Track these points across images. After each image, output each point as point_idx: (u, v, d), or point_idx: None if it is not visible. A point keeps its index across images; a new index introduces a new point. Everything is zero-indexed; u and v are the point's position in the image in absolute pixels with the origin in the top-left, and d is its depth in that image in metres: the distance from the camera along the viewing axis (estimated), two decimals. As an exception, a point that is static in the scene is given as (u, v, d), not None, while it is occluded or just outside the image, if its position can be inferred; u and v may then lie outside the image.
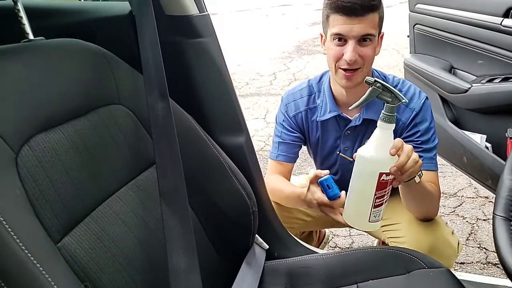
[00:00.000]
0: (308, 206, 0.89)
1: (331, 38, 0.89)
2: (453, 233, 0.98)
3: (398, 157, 0.69)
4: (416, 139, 0.94)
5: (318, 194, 0.83)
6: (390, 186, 0.70)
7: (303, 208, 1.07)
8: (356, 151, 1.01)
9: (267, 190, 0.99)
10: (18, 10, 0.66)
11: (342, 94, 0.97)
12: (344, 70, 0.89)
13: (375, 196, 0.69)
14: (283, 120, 1.04)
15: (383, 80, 0.96)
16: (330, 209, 0.83)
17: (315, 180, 0.84)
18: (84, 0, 1.18)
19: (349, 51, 0.86)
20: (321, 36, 0.96)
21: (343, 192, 0.81)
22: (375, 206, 0.70)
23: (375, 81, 0.67)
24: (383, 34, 0.93)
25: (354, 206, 0.74)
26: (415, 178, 0.78)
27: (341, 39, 0.87)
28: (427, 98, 0.96)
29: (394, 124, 0.67)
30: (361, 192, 0.70)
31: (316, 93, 1.02)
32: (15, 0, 0.66)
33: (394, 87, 0.94)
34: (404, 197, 0.89)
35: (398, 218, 0.99)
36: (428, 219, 0.95)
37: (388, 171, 0.67)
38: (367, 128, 0.96)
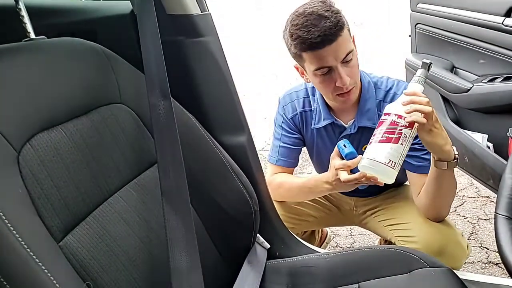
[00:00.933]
0: (332, 185, 0.85)
1: (313, 73, 0.85)
2: (462, 235, 0.97)
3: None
4: (420, 141, 0.93)
5: (337, 162, 0.81)
6: (405, 132, 0.71)
7: (318, 197, 1.04)
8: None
9: (271, 188, 0.99)
10: (20, 9, 0.66)
11: (334, 104, 0.96)
12: (341, 94, 0.87)
13: (375, 132, 0.72)
14: (282, 122, 1.03)
15: (375, 85, 0.97)
16: (346, 170, 0.79)
17: (334, 155, 0.83)
18: (85, -1, 1.18)
19: (339, 78, 0.83)
20: (296, 68, 0.93)
21: (359, 156, 0.79)
22: (379, 141, 0.71)
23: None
24: (353, 37, 0.89)
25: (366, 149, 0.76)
26: (448, 163, 0.77)
27: (325, 70, 0.83)
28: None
29: (423, 87, 0.74)
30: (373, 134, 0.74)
31: (311, 96, 1.01)
32: (17, -1, 0.66)
33: (388, 90, 0.95)
34: (432, 183, 0.85)
35: (408, 218, 0.98)
36: (438, 219, 0.94)
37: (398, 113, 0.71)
38: (361, 135, 0.95)
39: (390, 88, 0.96)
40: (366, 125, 0.94)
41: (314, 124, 0.99)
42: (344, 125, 0.97)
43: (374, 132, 0.73)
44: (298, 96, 1.02)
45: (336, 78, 0.83)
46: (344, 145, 0.81)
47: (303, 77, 0.95)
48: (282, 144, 1.03)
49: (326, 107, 0.98)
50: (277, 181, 1.02)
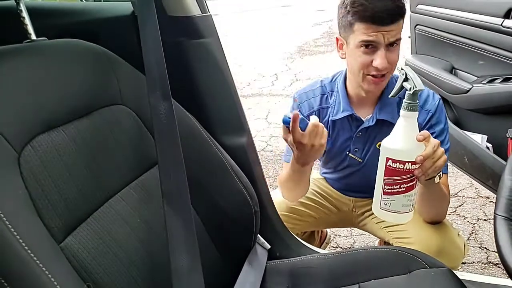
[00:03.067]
0: (297, 158, 0.82)
1: (357, 45, 0.86)
2: (459, 234, 0.98)
3: (425, 146, 0.68)
4: None
5: (286, 135, 0.78)
6: (410, 178, 0.67)
7: (308, 174, 1.00)
8: (366, 153, 1.01)
9: (279, 184, 0.98)
10: (21, 10, 0.66)
11: (359, 94, 0.96)
12: (373, 76, 0.87)
13: (384, 182, 0.68)
14: None
15: (395, 79, 0.96)
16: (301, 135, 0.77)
17: (285, 131, 0.79)
18: (86, 0, 1.19)
19: (380, 58, 0.84)
20: (337, 40, 0.94)
21: (312, 117, 0.78)
22: (384, 193, 0.69)
23: (402, 68, 0.67)
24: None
25: (374, 194, 0.73)
26: (435, 178, 0.76)
27: (369, 46, 0.85)
28: (440, 99, 0.95)
29: (417, 113, 0.66)
30: (377, 180, 0.71)
31: (329, 92, 1.00)
32: (18, 1, 0.66)
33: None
34: (420, 198, 0.86)
35: None
36: (436, 222, 0.95)
37: (405, 160, 0.66)
38: (380, 129, 0.95)
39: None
40: (384, 118, 0.94)
41: (332, 116, 0.99)
42: (362, 118, 0.97)
43: (387, 181, 0.68)
44: (314, 94, 1.02)
45: (376, 57, 0.84)
46: (289, 117, 0.76)
47: (340, 51, 0.94)
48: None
49: (347, 98, 0.97)
50: (280, 180, 1.02)
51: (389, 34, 0.83)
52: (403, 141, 0.67)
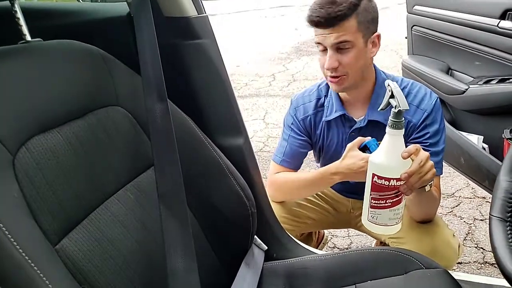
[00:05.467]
0: (343, 174, 0.88)
1: (318, 48, 0.93)
2: (454, 235, 0.98)
3: (412, 161, 0.68)
4: (424, 141, 0.93)
5: (363, 155, 0.84)
6: (396, 193, 0.67)
7: (325, 189, 1.06)
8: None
9: (273, 186, 0.99)
10: (16, 11, 0.66)
11: (345, 95, 0.98)
12: (331, 77, 0.92)
13: (371, 196, 0.69)
14: (292, 123, 1.04)
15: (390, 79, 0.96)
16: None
17: (357, 144, 0.86)
18: (82, 1, 1.18)
19: (327, 58, 0.90)
20: None
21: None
22: (371, 207, 0.70)
23: (388, 84, 0.67)
24: (379, 35, 0.93)
25: (363, 205, 0.73)
26: (425, 187, 0.77)
27: (323, 48, 0.91)
28: (437, 99, 0.96)
29: (402, 130, 0.66)
30: (365, 193, 0.71)
31: (325, 95, 1.03)
32: (12, 1, 0.65)
33: (403, 89, 0.95)
34: (410, 202, 0.87)
35: None
36: (426, 221, 0.95)
37: (390, 177, 0.66)
38: (372, 129, 0.96)
39: (404, 87, 0.96)
40: (376, 119, 0.95)
41: (326, 117, 1.01)
42: (355, 119, 0.99)
43: (374, 195, 0.68)
44: (310, 98, 1.04)
45: (326, 58, 0.91)
46: (374, 144, 0.83)
47: None
48: (288, 145, 1.04)
49: (338, 99, 1.00)
50: (282, 178, 1.02)
51: (330, 37, 0.88)
52: (388, 158, 0.67)
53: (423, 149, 0.89)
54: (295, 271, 0.84)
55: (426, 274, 0.75)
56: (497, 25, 1.18)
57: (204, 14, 0.86)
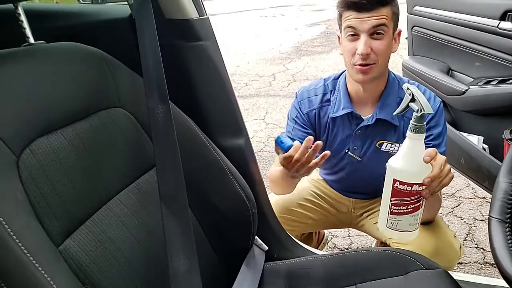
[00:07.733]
0: (288, 173, 0.85)
1: (345, 34, 0.91)
2: (455, 236, 0.98)
3: (432, 166, 0.67)
4: (428, 143, 0.92)
5: (280, 154, 0.82)
6: (417, 199, 0.67)
7: (296, 181, 1.02)
8: (365, 152, 1.02)
9: (270, 178, 0.98)
10: (19, 14, 0.66)
11: (358, 91, 0.97)
12: (359, 65, 0.90)
13: (391, 202, 0.68)
14: (296, 116, 1.03)
15: (399, 83, 0.97)
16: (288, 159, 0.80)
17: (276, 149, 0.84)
18: (82, 2, 1.19)
19: (361, 44, 0.87)
20: (338, 38, 0.98)
21: (296, 142, 0.80)
22: (391, 213, 0.69)
23: (408, 88, 0.66)
24: (400, 31, 0.93)
25: (381, 211, 0.73)
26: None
27: (354, 34, 0.89)
28: (441, 103, 0.96)
29: (424, 134, 0.65)
30: (383, 198, 0.70)
31: (331, 91, 1.02)
32: (16, 4, 0.66)
33: None
34: None
35: None
36: (427, 222, 0.95)
37: (413, 182, 0.65)
38: (379, 128, 0.96)
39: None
40: (384, 118, 0.95)
41: (333, 113, 1.00)
42: (362, 117, 0.98)
43: (394, 201, 0.67)
44: (316, 92, 1.03)
45: (359, 44, 0.88)
46: (281, 141, 0.81)
47: (339, 46, 0.97)
48: (292, 137, 1.02)
49: (347, 95, 0.99)
50: (273, 171, 1.01)
51: (368, 22, 0.87)
52: (411, 163, 0.66)
53: None
54: (296, 271, 0.84)
55: (426, 275, 0.75)
56: (497, 26, 1.18)
57: (206, 16, 0.86)
